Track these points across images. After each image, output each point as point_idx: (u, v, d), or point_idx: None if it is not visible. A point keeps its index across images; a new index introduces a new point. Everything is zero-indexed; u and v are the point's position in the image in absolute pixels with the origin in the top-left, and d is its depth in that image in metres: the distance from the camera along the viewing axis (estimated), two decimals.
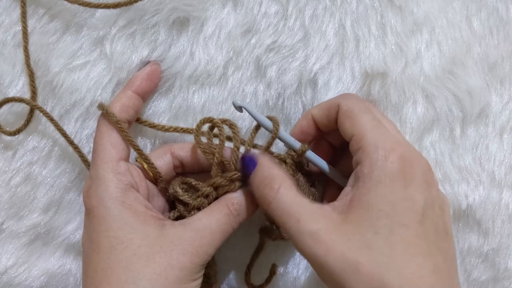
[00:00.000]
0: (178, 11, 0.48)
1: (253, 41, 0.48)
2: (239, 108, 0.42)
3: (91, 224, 0.40)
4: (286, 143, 0.43)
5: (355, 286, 0.34)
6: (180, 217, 0.43)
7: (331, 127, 0.43)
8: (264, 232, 0.46)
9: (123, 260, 0.38)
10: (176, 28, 0.48)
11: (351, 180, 0.39)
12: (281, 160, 0.43)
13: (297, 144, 0.43)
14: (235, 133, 0.43)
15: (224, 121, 0.43)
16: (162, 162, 0.44)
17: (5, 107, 0.48)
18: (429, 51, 0.48)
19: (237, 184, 0.42)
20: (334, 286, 0.35)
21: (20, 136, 0.49)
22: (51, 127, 0.48)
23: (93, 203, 0.40)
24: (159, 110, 0.48)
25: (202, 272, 0.40)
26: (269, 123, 0.42)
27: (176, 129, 0.47)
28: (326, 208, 0.38)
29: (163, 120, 0.48)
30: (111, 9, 0.47)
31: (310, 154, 0.43)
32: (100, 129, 0.43)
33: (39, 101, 0.48)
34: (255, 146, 0.46)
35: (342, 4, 0.48)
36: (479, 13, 0.49)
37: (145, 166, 0.43)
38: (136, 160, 0.44)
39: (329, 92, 0.47)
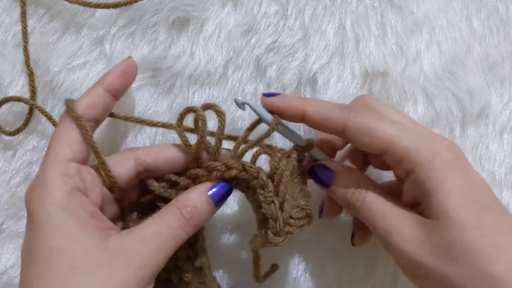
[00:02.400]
0: (178, 11, 0.48)
1: (253, 41, 0.48)
2: (242, 105, 0.41)
3: (31, 231, 0.36)
4: (292, 139, 0.41)
5: (455, 280, 0.34)
6: None
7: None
8: (254, 241, 0.43)
9: (59, 274, 0.34)
10: (176, 28, 0.48)
11: (408, 189, 0.38)
12: (285, 154, 0.40)
13: (303, 140, 0.41)
14: (221, 120, 0.40)
15: (209, 106, 0.40)
16: (123, 169, 0.40)
17: (5, 107, 0.48)
18: (429, 51, 0.48)
19: (215, 174, 0.40)
20: (431, 281, 0.36)
21: (20, 136, 0.49)
22: (50, 127, 0.48)
23: (34, 206, 0.36)
24: (160, 110, 0.48)
25: (151, 286, 0.37)
26: (270, 118, 0.40)
27: (154, 124, 0.45)
28: (410, 210, 0.37)
29: (163, 120, 0.48)
30: (111, 9, 0.47)
31: (315, 151, 0.42)
32: (59, 125, 0.39)
33: (39, 101, 0.48)
34: (246, 142, 0.43)
35: (342, 4, 0.48)
36: (479, 13, 0.49)
37: (102, 173, 0.40)
38: (95, 165, 0.41)
39: (328, 91, 0.47)
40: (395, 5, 0.48)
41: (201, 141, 0.40)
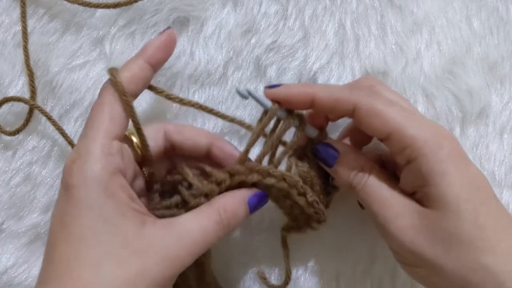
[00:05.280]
0: (178, 11, 0.48)
1: (253, 41, 0.48)
2: (245, 93, 0.39)
3: (67, 205, 0.35)
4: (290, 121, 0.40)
5: (448, 270, 0.35)
6: (181, 203, 0.40)
7: (333, 115, 0.42)
8: (287, 229, 0.45)
9: (93, 258, 0.34)
10: (176, 28, 0.48)
11: (407, 177, 0.38)
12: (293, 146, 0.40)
13: (314, 131, 0.41)
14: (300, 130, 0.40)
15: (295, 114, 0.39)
16: (153, 143, 0.40)
17: (5, 107, 0.48)
18: (429, 51, 0.48)
19: (256, 176, 0.39)
20: (424, 269, 0.37)
21: (20, 136, 0.49)
22: (50, 127, 0.48)
23: (74, 182, 0.35)
24: (160, 110, 0.48)
25: (173, 282, 0.36)
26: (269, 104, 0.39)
27: (193, 105, 0.43)
28: (410, 199, 0.38)
29: (163, 120, 0.48)
30: (111, 9, 0.47)
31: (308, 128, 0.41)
32: (102, 97, 0.37)
33: (39, 101, 0.48)
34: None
35: (342, 4, 0.48)
36: (479, 13, 0.49)
37: (140, 146, 0.39)
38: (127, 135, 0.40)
39: None
40: (395, 5, 0.48)
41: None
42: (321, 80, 0.48)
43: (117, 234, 0.34)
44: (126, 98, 0.37)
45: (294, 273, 0.48)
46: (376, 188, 0.38)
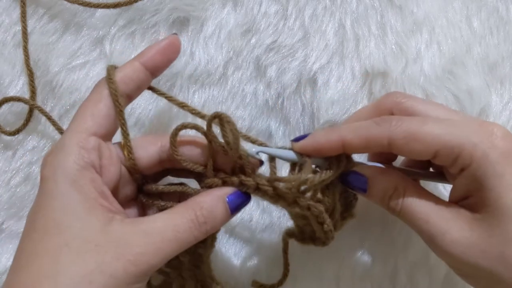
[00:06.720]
0: (178, 11, 0.48)
1: (253, 41, 0.48)
2: (257, 155, 0.37)
3: (38, 198, 0.35)
4: (324, 164, 0.39)
5: (508, 279, 0.33)
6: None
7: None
8: (290, 235, 0.44)
9: (52, 249, 0.33)
10: (176, 28, 0.48)
11: (461, 184, 0.36)
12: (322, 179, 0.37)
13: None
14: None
15: None
16: (145, 153, 0.39)
17: (5, 107, 0.48)
18: (429, 51, 0.48)
19: (282, 202, 0.38)
20: (482, 279, 0.35)
21: (20, 136, 0.49)
22: (50, 127, 0.48)
23: (46, 173, 0.35)
24: (160, 110, 0.49)
25: (140, 285, 0.34)
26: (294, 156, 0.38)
27: (186, 107, 0.41)
28: (457, 207, 0.36)
29: (163, 121, 0.48)
30: (111, 9, 0.47)
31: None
32: (90, 96, 0.38)
33: (39, 101, 0.48)
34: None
35: (342, 4, 0.48)
36: (479, 13, 0.49)
37: (125, 153, 0.39)
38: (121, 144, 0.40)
39: (328, 91, 0.47)
40: (395, 5, 0.48)
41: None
42: (321, 80, 0.48)
43: (80, 228, 0.34)
44: (115, 95, 0.37)
45: (294, 274, 0.48)
46: (416, 206, 0.36)
